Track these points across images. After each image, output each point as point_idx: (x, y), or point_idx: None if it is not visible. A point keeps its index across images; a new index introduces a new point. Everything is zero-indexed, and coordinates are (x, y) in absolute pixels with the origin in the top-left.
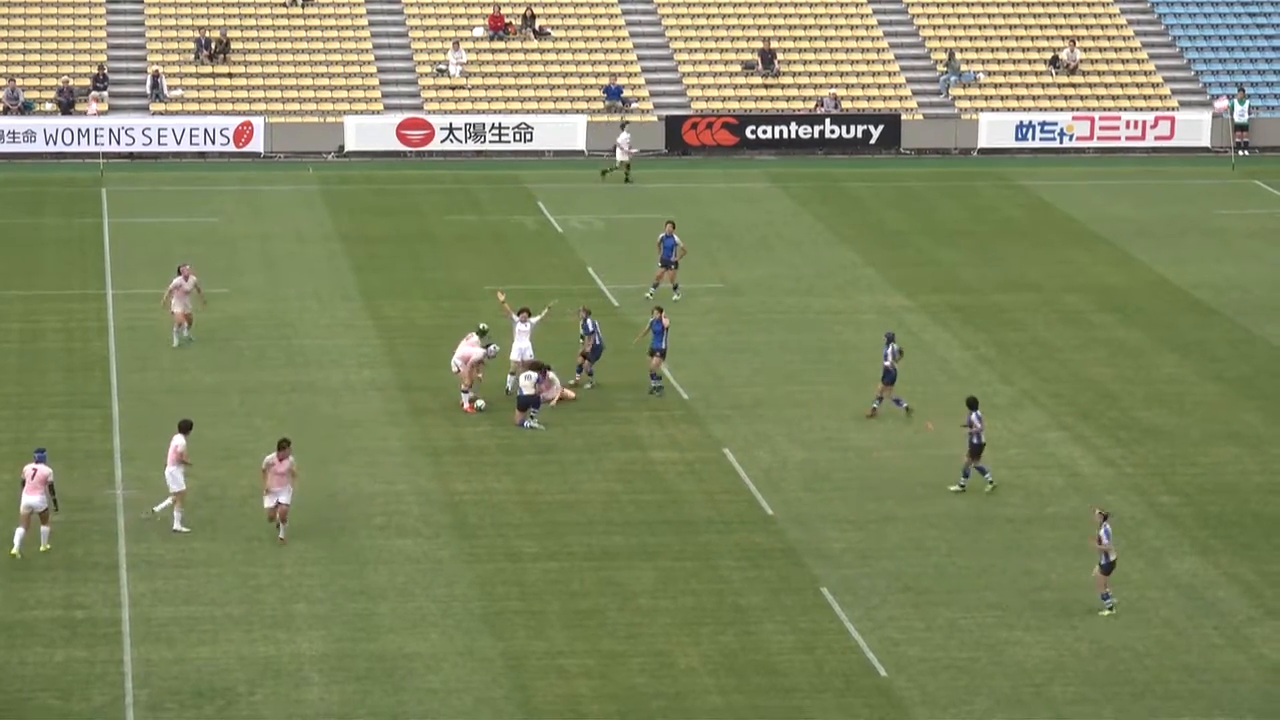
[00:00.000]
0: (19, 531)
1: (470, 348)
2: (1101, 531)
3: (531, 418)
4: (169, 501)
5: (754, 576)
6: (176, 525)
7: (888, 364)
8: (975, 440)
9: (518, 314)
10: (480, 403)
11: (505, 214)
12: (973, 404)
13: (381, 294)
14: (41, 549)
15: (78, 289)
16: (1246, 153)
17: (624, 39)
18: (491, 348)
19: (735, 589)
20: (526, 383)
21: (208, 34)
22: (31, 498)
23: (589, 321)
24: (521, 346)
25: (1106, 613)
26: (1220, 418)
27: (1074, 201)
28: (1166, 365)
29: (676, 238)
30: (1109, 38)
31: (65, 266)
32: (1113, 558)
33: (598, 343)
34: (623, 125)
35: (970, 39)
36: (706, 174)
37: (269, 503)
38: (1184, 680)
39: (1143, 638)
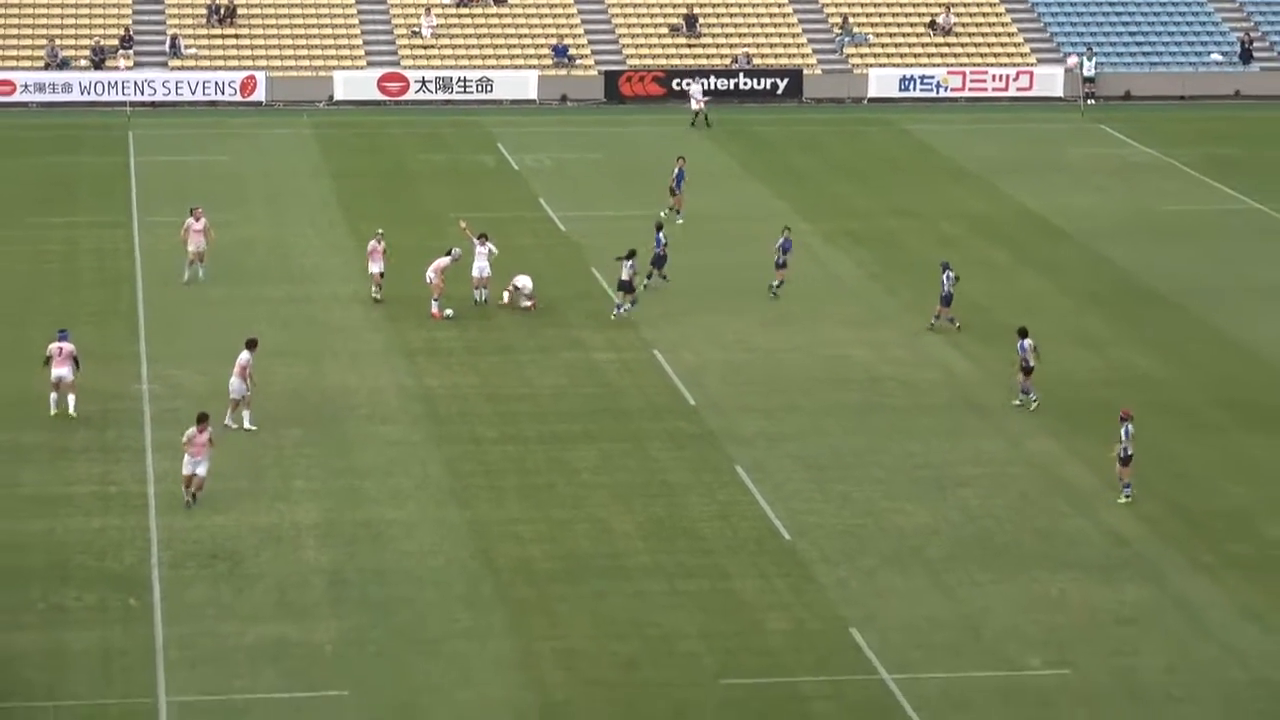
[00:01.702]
0: (53, 396)
1: (437, 260)
2: (1122, 430)
3: (632, 302)
4: (244, 413)
5: (679, 457)
6: (247, 424)
7: (948, 289)
8: (1025, 364)
9: (478, 238)
10: (449, 312)
11: (469, 153)
12: (1023, 333)
13: (364, 221)
14: (70, 414)
15: (109, 217)
16: (1094, 102)
17: (569, 5)
18: (455, 251)
19: (663, 467)
20: (626, 269)
21: (218, 1)
22: (60, 370)
23: (660, 235)
24: (481, 265)
25: (1123, 500)
26: (1070, 324)
27: (949, 143)
28: (1027, 280)
29: (685, 172)
30: (978, 4)
31: (98, 198)
32: (1130, 452)
33: (659, 252)
34: (696, 80)
35: (861, 5)
36: (639, 120)
37: (186, 470)
38: (1037, 543)
39: (1003, 506)
